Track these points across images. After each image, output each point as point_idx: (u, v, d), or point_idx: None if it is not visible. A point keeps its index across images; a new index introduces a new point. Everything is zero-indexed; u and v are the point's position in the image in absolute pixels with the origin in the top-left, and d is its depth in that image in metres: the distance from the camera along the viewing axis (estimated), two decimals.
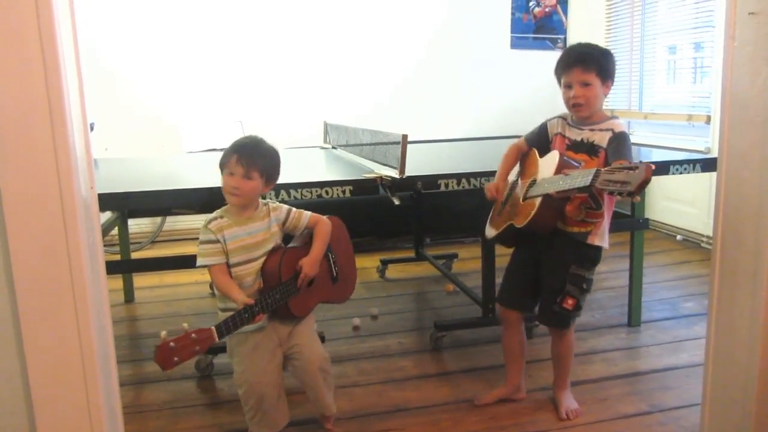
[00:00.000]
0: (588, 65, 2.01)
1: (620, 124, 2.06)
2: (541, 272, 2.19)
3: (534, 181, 2.06)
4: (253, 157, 1.93)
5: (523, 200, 2.07)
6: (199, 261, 1.92)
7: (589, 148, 2.05)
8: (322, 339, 2.71)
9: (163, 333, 1.70)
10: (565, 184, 1.85)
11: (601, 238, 2.10)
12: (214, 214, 1.97)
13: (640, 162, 1.63)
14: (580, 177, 1.79)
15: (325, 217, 2.09)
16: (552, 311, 2.14)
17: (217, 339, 1.73)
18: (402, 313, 3.36)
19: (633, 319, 3.03)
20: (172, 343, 1.67)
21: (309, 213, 2.08)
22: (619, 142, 2.00)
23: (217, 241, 1.91)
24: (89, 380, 1.28)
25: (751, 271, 1.48)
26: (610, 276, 3.83)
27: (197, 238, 1.97)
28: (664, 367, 2.61)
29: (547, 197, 1.95)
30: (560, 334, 2.22)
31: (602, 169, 1.71)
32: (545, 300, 2.17)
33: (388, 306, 3.44)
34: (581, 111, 2.06)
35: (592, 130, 2.07)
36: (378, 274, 4.00)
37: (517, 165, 2.26)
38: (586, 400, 2.34)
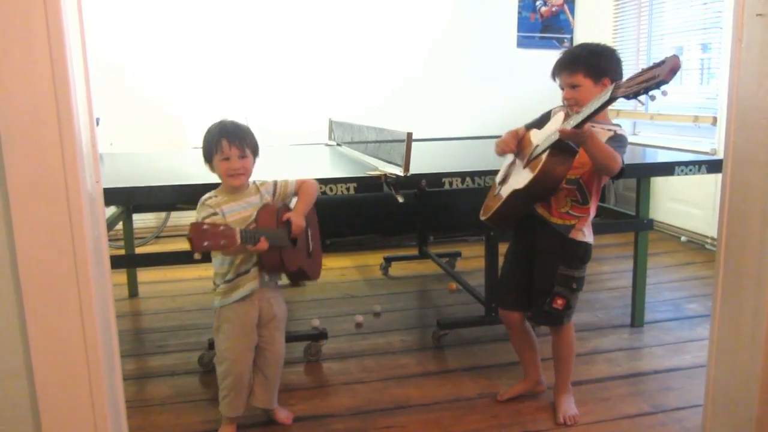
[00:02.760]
0: (572, 68, 2.03)
1: (622, 130, 2.06)
2: (533, 272, 2.20)
3: (536, 147, 2.03)
4: (240, 136, 2.01)
5: (526, 165, 2.05)
6: None
7: None
8: (325, 335, 2.73)
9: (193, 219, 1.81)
10: (582, 114, 1.79)
11: (584, 234, 2.10)
12: (208, 194, 2.04)
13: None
14: (597, 98, 1.73)
15: (310, 179, 2.19)
16: (543, 311, 2.15)
17: (239, 241, 1.81)
18: (405, 310, 3.37)
19: (636, 320, 3.03)
20: (205, 226, 1.76)
21: (294, 179, 2.16)
22: (617, 140, 2.00)
23: (216, 214, 1.98)
24: (93, 374, 1.29)
25: (755, 274, 1.48)
26: (613, 276, 3.83)
27: None
28: (666, 368, 2.60)
29: (555, 145, 1.89)
30: (557, 332, 2.22)
31: (620, 81, 1.67)
32: (536, 300, 2.18)
33: (391, 303, 3.44)
34: (576, 110, 2.03)
35: (593, 126, 2.06)
36: (381, 272, 4.00)
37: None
38: (589, 400, 2.34)
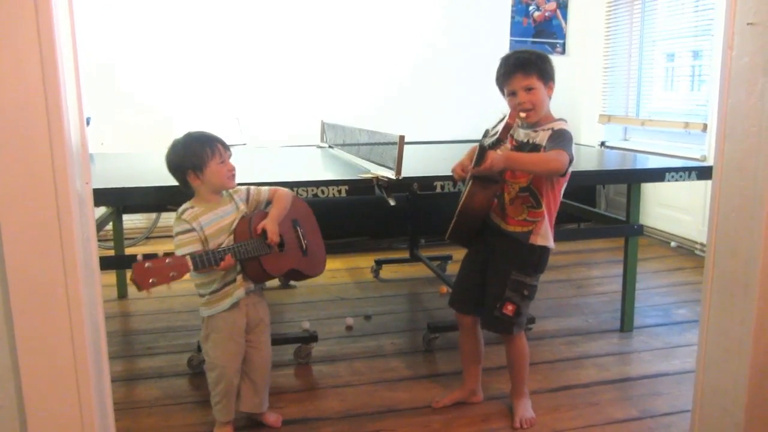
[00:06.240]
0: (528, 70, 2.04)
1: (561, 123, 2.07)
2: (486, 277, 2.20)
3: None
4: (224, 141, 2.07)
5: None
6: (179, 252, 1.94)
7: (532, 148, 2.07)
8: (315, 338, 2.72)
9: (139, 255, 1.79)
10: (475, 157, 1.97)
11: (544, 237, 2.11)
12: (184, 206, 2.04)
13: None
14: (477, 152, 1.93)
15: (284, 188, 2.21)
16: (493, 317, 2.14)
17: (191, 267, 1.84)
18: (395, 313, 3.36)
19: (625, 325, 3.04)
20: (147, 264, 1.75)
21: (267, 187, 2.18)
22: (557, 136, 2.02)
23: (193, 230, 1.99)
24: (81, 376, 1.28)
25: (743, 280, 1.49)
26: (603, 281, 3.85)
27: None
28: (655, 374, 2.62)
29: (471, 179, 2.04)
30: (508, 341, 2.21)
31: (490, 128, 1.87)
32: (488, 306, 2.17)
33: (382, 306, 3.44)
34: (531, 116, 2.06)
35: (535, 131, 2.10)
36: (372, 275, 4.00)
37: None
38: (577, 404, 2.35)
